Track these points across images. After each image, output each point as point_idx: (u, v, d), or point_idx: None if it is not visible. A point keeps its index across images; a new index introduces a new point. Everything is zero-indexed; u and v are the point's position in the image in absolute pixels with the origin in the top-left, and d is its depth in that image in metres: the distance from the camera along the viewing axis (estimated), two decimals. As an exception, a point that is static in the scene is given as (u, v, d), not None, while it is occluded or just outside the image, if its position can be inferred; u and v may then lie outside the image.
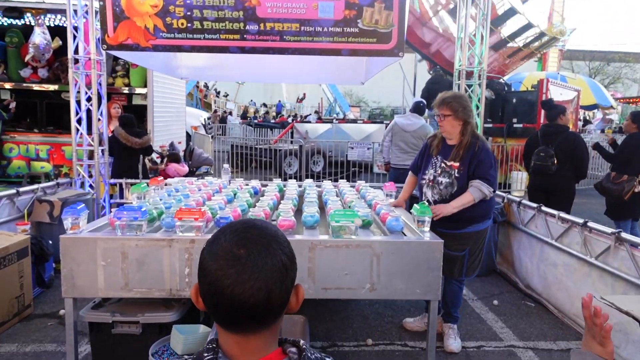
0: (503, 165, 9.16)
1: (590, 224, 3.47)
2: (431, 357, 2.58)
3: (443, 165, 3.09)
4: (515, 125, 9.22)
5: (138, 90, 8.60)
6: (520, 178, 8.28)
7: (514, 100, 9.56)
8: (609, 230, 3.28)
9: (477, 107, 5.66)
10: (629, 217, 4.90)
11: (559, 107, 4.94)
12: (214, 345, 0.89)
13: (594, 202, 8.20)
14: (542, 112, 8.74)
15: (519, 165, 8.87)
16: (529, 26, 11.21)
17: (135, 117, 6.20)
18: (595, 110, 21.08)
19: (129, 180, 5.64)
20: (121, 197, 5.73)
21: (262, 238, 0.87)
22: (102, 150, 5.49)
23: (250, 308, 0.83)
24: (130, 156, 5.90)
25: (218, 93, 27.34)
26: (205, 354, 0.87)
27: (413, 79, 19.98)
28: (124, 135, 5.75)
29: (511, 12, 10.86)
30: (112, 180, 5.66)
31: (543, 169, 4.69)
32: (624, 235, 3.12)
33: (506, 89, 10.14)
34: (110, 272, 2.40)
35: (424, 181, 3.22)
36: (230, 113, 24.77)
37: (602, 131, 19.08)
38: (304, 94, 30.34)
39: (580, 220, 3.57)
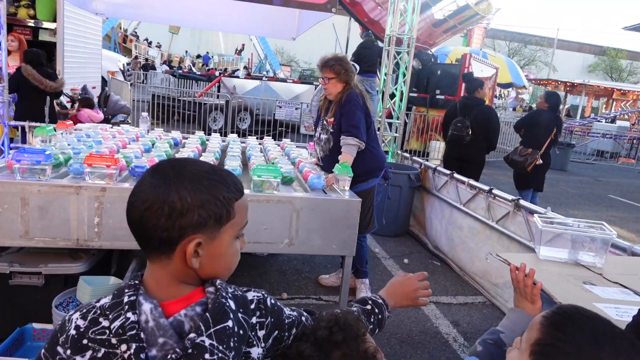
0: (423, 135, 9.58)
1: (495, 191, 3.77)
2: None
3: (325, 122, 3.23)
4: (437, 97, 9.61)
5: (46, 25, 7.72)
6: (437, 147, 8.73)
7: (439, 72, 9.92)
8: (510, 197, 3.59)
9: (404, 75, 5.81)
10: (530, 187, 5.39)
11: (477, 80, 5.22)
12: (137, 282, 0.87)
13: (499, 173, 8.92)
14: (463, 85, 9.21)
15: (438, 135, 9.33)
16: (466, 7, 11.52)
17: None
18: (510, 89, 22.58)
19: (33, 124, 5.14)
20: (24, 141, 5.23)
21: (173, 171, 0.85)
22: (1, 88, 4.92)
23: (130, 223, 0.86)
24: (39, 98, 5.36)
25: (150, 43, 25.50)
26: (127, 290, 0.84)
27: (345, 42, 19.95)
28: (36, 77, 5.19)
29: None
30: (13, 123, 5.13)
31: (459, 138, 4.97)
32: (522, 202, 3.43)
33: (432, 60, 10.47)
34: (8, 218, 2.20)
35: (314, 139, 3.38)
36: (148, 60, 23.14)
37: (514, 109, 20.54)
38: (243, 45, 29.01)
39: (486, 188, 3.86)
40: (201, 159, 2.85)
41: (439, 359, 2.83)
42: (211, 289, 0.88)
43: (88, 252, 2.57)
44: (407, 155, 5.70)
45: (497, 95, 20.86)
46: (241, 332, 0.88)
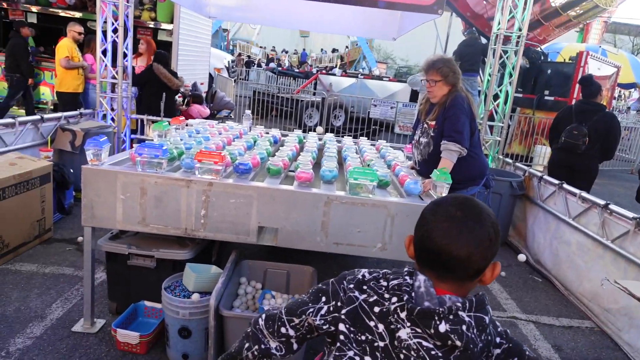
0: (528, 138, 8.94)
1: (612, 206, 3.40)
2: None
3: (425, 125, 3.10)
4: (546, 98, 8.90)
5: (164, 26, 8.44)
6: (543, 153, 8.08)
7: (549, 71, 9.17)
8: (631, 214, 3.21)
9: (511, 75, 5.46)
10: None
11: (597, 84, 4.72)
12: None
13: (615, 183, 8.04)
14: (577, 86, 8.41)
15: (544, 140, 8.64)
16: None
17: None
18: (632, 90, 20.22)
19: (151, 117, 5.66)
20: (142, 133, 5.77)
21: (476, 209, 1.02)
22: (126, 84, 5.47)
23: (450, 259, 0.99)
24: (165, 95, 5.90)
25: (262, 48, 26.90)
26: (406, 268, 1.08)
27: (445, 39, 19.24)
28: (167, 75, 5.70)
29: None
30: (134, 116, 5.69)
31: (572, 147, 4.52)
32: (645, 221, 3.06)
33: (542, 58, 9.71)
34: (129, 205, 2.44)
35: (413, 142, 3.28)
36: (249, 57, 24.26)
37: (638, 111, 18.37)
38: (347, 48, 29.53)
39: (602, 202, 3.49)
40: (299, 157, 2.93)
41: (537, 384, 2.63)
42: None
43: (194, 240, 2.77)
44: (510, 160, 5.35)
45: (617, 96, 18.81)
46: (489, 337, 1.02)
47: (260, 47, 27.89)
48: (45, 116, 4.55)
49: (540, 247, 4.31)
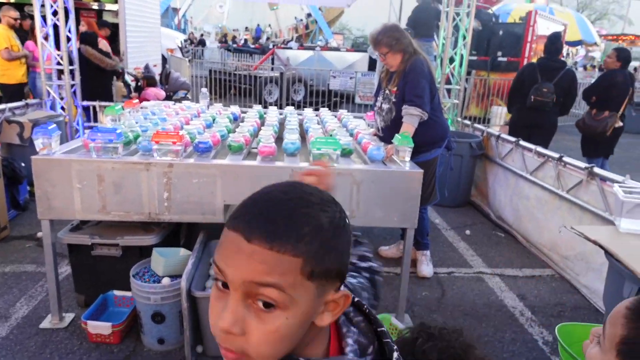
0: (484, 100, 9.14)
1: (566, 158, 3.55)
2: (404, 280, 2.69)
3: (387, 91, 3.14)
4: (499, 59, 9.08)
5: (108, 7, 8.05)
6: (499, 113, 8.31)
7: (501, 33, 9.33)
8: (583, 165, 3.36)
9: (464, 38, 5.52)
10: (601, 154, 5.02)
11: (561, 41, 4.79)
12: None
13: (567, 138, 8.38)
14: (528, 45, 8.62)
15: (500, 100, 8.86)
16: None
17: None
18: (579, 47, 20.91)
19: (103, 103, 5.43)
20: (94, 120, 5.54)
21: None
22: (72, 70, 5.21)
23: None
24: (103, 77, 5.64)
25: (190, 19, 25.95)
26: None
27: (399, 6, 19.22)
28: (96, 56, 5.45)
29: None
30: (85, 103, 5.44)
31: (541, 104, 4.57)
32: (596, 169, 3.21)
33: (494, 20, 9.86)
34: (87, 194, 2.36)
35: (375, 108, 3.31)
36: (202, 35, 23.54)
37: (584, 68, 19.06)
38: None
39: (556, 155, 3.64)
40: (260, 132, 2.89)
41: (505, 332, 2.77)
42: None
43: (159, 225, 2.71)
44: (468, 122, 5.47)
45: (565, 54, 19.39)
46: None
47: (234, 30, 27.06)
48: (-13, 109, 4.29)
49: (501, 204, 4.47)
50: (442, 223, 4.45)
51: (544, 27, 8.98)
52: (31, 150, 2.43)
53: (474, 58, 9.19)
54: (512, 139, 4.33)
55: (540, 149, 3.90)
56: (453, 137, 3.48)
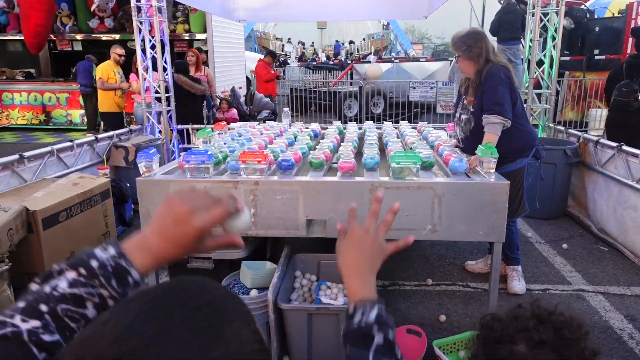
0: (580, 103, 8.47)
1: (679, 164, 3.18)
2: (493, 298, 2.56)
3: (465, 102, 3.06)
4: (596, 57, 8.39)
5: (198, 36, 8.71)
6: (598, 116, 7.64)
7: (597, 29, 8.63)
8: (701, 170, 2.99)
9: (554, 39, 5.20)
10: None
11: None
12: None
13: (684, 140, 7.47)
14: (630, 41, 7.87)
15: (599, 102, 8.16)
16: None
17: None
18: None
19: (195, 126, 5.86)
20: (188, 142, 5.99)
21: None
22: (168, 97, 5.69)
23: None
24: (193, 102, 6.09)
25: (289, 39, 27.12)
26: None
27: (482, 10, 18.53)
28: (187, 82, 5.91)
29: None
30: (179, 126, 5.91)
31: (624, 104, 4.28)
32: None
33: (588, 16, 9.14)
34: (183, 212, 2.55)
35: (455, 120, 3.25)
36: (286, 55, 24.51)
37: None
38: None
39: (667, 160, 3.27)
40: (340, 148, 2.94)
41: (612, 357, 2.52)
42: None
43: (247, 239, 2.86)
44: (562, 128, 5.10)
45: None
46: None
47: (277, 38, 28.05)
48: (99, 136, 4.82)
49: (603, 215, 4.09)
50: (535, 236, 4.17)
51: (648, 19, 8.15)
52: (135, 172, 2.69)
53: (567, 58, 8.59)
54: (613, 144, 3.97)
55: (647, 153, 3.53)
56: (543, 145, 3.28)
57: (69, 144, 4.33)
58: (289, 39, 28.60)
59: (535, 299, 0.86)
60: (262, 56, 9.90)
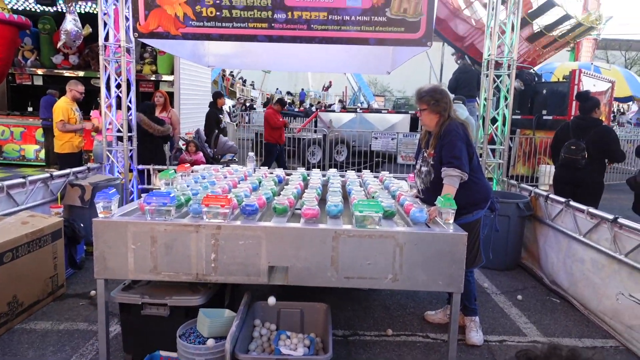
0: (531, 159, 8.97)
1: (621, 220, 3.38)
2: (452, 349, 2.58)
3: (425, 154, 3.20)
4: (544, 117, 8.99)
5: (165, 77, 8.73)
6: (547, 171, 8.10)
7: (544, 92, 9.31)
8: (641, 227, 3.19)
9: (506, 99, 5.56)
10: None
11: (593, 99, 4.79)
12: None
13: (623, 197, 7.98)
14: (574, 104, 8.52)
15: (547, 159, 8.67)
16: (566, 17, 10.80)
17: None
18: (631, 103, 20.36)
19: (156, 167, 5.77)
20: (148, 183, 5.86)
21: None
22: (130, 137, 5.61)
23: None
24: (151, 143, 6.01)
25: (244, 82, 27.43)
26: None
27: (440, 68, 19.64)
28: (146, 122, 5.86)
29: (549, 5, 10.45)
30: (140, 166, 5.79)
31: (572, 162, 4.57)
32: (656, 232, 3.04)
33: (536, 79, 9.88)
34: (140, 255, 2.47)
35: (415, 171, 3.37)
36: (252, 101, 24.87)
37: (638, 124, 18.42)
38: (330, 82, 30.21)
39: (610, 216, 3.48)
40: (304, 195, 2.97)
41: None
42: None
43: (205, 285, 2.78)
44: (514, 182, 5.36)
45: (615, 110, 18.90)
46: None
47: (251, 85, 28.53)
48: (55, 173, 4.65)
49: (554, 267, 4.26)
50: (492, 287, 4.26)
51: (589, 85, 8.89)
52: (90, 212, 2.61)
53: (518, 117, 9.16)
54: (562, 199, 4.20)
55: (592, 209, 3.75)
56: (497, 198, 3.43)
57: (20, 180, 4.14)
58: (252, 82, 29.07)
59: (572, 347, 0.88)
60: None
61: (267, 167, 4.30)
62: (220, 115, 8.79)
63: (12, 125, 9.01)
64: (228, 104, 16.32)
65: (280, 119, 8.89)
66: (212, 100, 8.95)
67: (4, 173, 8.14)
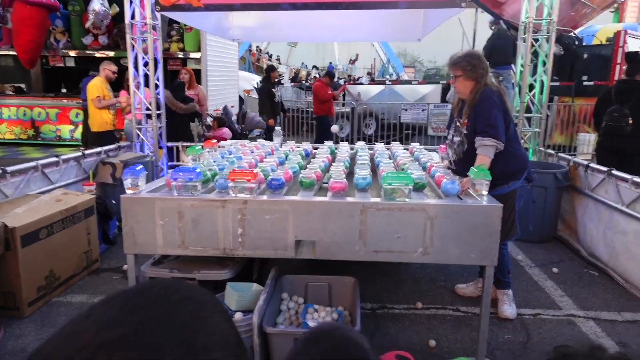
0: (569, 127, 8.57)
1: (669, 189, 3.18)
2: (484, 322, 2.51)
3: (458, 124, 3.04)
4: (585, 83, 8.53)
5: (192, 55, 8.72)
6: (587, 140, 7.72)
7: (585, 56, 8.80)
8: (691, 196, 2.99)
9: (544, 64, 5.26)
10: None
11: None
12: None
13: (672, 166, 7.56)
14: (617, 68, 8.03)
15: (587, 127, 8.26)
16: None
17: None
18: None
19: (185, 144, 5.81)
20: (177, 159, 5.93)
21: None
22: (159, 115, 5.65)
23: None
24: (178, 120, 6.05)
25: (270, 56, 27.21)
26: None
27: (472, 36, 18.90)
28: (170, 100, 5.89)
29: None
30: (169, 144, 5.85)
31: (616, 130, 4.31)
32: None
33: (577, 43, 9.34)
34: (168, 230, 2.49)
35: (447, 141, 3.21)
36: (280, 76, 24.73)
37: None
38: (357, 55, 29.58)
39: (657, 185, 3.28)
40: (331, 168, 2.91)
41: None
42: None
43: (233, 260, 2.79)
44: (552, 151, 5.13)
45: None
46: None
47: (277, 59, 28.26)
48: (86, 152, 4.75)
49: (593, 240, 4.08)
50: (526, 260, 4.13)
51: (636, 47, 8.33)
52: (122, 189, 2.62)
53: (557, 84, 8.71)
54: (604, 168, 3.99)
55: (637, 178, 3.54)
56: (535, 168, 3.27)
57: (54, 159, 4.25)
58: (278, 57, 28.82)
59: (620, 352, 0.77)
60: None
61: (322, 142, 4.19)
62: (273, 90, 8.65)
63: (48, 107, 9.25)
64: (255, 79, 16.26)
65: (329, 92, 8.70)
66: (265, 75, 8.93)
67: (41, 153, 8.42)
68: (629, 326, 3.05)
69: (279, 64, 28.45)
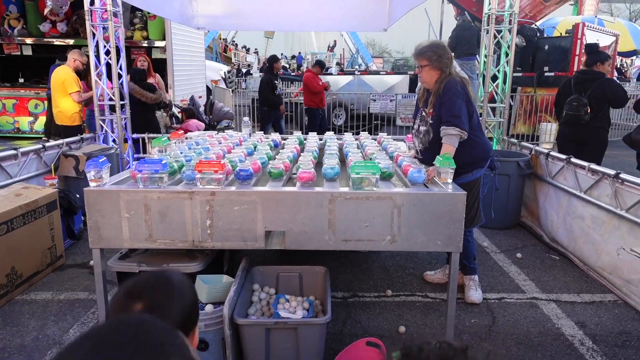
0: (532, 117, 8.84)
1: (623, 175, 3.34)
2: (451, 307, 2.58)
3: (423, 113, 3.09)
4: (546, 74, 8.80)
5: (157, 44, 8.49)
6: (549, 130, 7.99)
7: (546, 47, 9.07)
8: (643, 182, 3.15)
9: (507, 55, 5.40)
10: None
11: (602, 53, 4.63)
12: None
13: (626, 153, 7.90)
14: (577, 59, 8.31)
15: (549, 117, 8.54)
16: None
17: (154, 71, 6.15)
18: (634, 57, 19.96)
19: (151, 135, 5.68)
20: (143, 151, 5.79)
21: None
22: (123, 105, 5.50)
23: None
24: (144, 111, 5.89)
25: (236, 46, 26.81)
26: None
27: (439, 27, 19.16)
28: (137, 91, 5.72)
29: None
30: (135, 135, 5.70)
31: (575, 119, 4.48)
32: (658, 187, 2.99)
33: (538, 35, 9.61)
34: (134, 223, 2.44)
35: (413, 131, 3.26)
36: (249, 66, 24.43)
37: (640, 79, 18.12)
38: (335, 41, 29.38)
39: (612, 172, 3.43)
40: (300, 158, 2.91)
41: (564, 363, 2.58)
42: None
43: (203, 252, 2.76)
44: (515, 140, 5.28)
45: (618, 65, 18.54)
46: None
47: (254, 52, 27.97)
48: (47, 144, 4.58)
49: (554, 225, 4.24)
50: (491, 246, 4.27)
51: (593, 39, 8.64)
52: (85, 182, 2.55)
53: (519, 74, 8.96)
54: (563, 156, 4.14)
55: (594, 166, 3.70)
56: (498, 156, 3.37)
57: (12, 152, 4.08)
58: (248, 48, 28.48)
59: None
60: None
61: (314, 132, 4.15)
62: (276, 82, 8.33)
63: (4, 97, 8.85)
64: (223, 69, 16.01)
65: (320, 83, 8.47)
66: (267, 65, 8.69)
67: (-1, 146, 8.07)
68: (587, 307, 3.20)
69: (248, 53, 28.08)
